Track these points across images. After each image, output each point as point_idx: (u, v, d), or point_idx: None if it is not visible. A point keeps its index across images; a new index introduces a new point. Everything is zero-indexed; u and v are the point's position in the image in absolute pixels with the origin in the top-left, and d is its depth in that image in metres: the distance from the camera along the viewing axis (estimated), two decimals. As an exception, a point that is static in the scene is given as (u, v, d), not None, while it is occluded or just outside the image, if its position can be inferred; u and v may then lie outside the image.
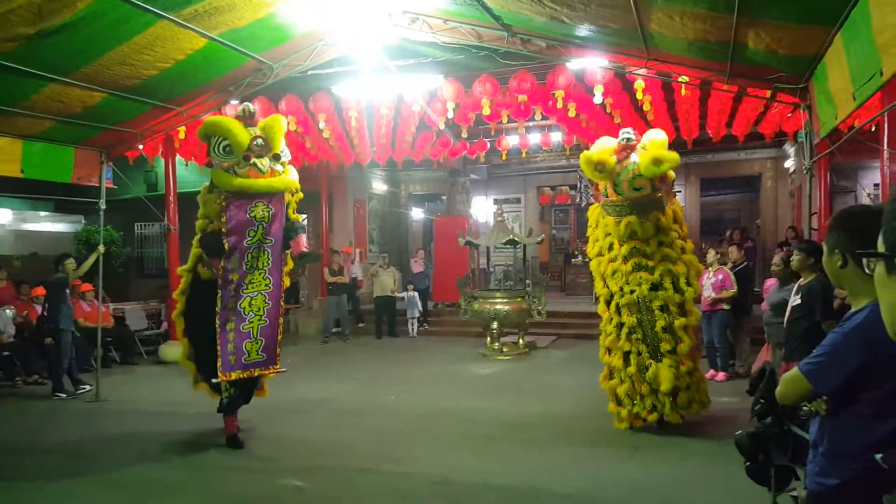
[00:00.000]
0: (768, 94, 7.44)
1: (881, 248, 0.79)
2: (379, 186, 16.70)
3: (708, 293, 7.92)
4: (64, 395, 7.83)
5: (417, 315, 12.53)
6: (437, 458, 5.21)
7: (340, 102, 8.64)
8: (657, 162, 5.10)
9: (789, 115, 8.41)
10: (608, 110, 8.47)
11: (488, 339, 10.20)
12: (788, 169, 13.84)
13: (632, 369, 5.57)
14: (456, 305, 12.30)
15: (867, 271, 0.84)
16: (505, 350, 10.06)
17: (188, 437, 6.07)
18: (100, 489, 4.76)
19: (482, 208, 18.02)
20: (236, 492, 4.63)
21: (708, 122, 9.81)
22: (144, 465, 5.29)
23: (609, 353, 5.82)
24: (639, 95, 7.84)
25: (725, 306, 7.87)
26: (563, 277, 17.27)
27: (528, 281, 10.81)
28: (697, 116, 9.64)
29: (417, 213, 18.38)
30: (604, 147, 5.54)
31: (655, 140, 5.31)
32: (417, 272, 13.18)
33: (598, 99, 7.62)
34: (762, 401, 3.31)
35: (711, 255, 8.17)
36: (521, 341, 10.35)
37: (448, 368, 9.15)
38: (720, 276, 7.88)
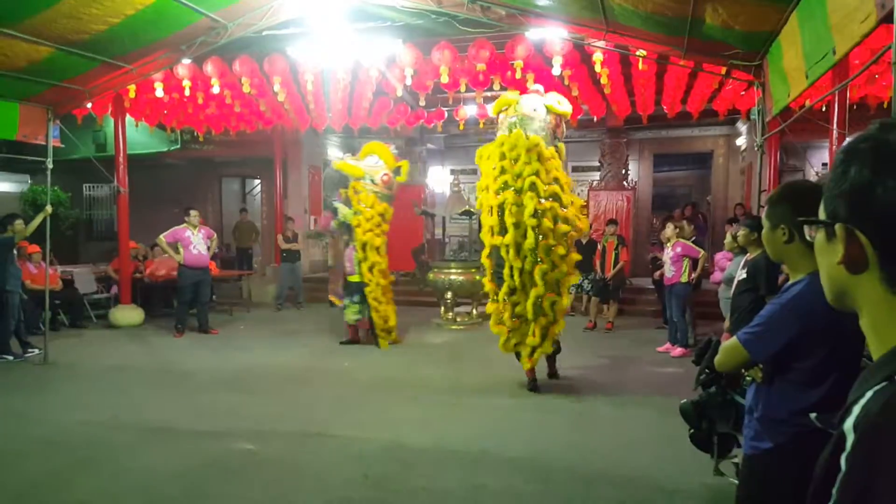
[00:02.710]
0: (723, 70, 7.57)
1: (822, 215, 0.79)
2: (335, 153, 16.35)
3: (668, 267, 8.08)
4: (11, 358, 7.57)
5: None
6: (389, 423, 5.24)
7: (296, 65, 8.39)
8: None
9: (743, 92, 8.56)
10: (566, 82, 8.45)
11: (442, 308, 10.22)
12: (740, 147, 14.16)
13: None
14: (411, 275, 12.30)
15: (808, 239, 0.85)
16: (459, 320, 10.12)
17: (136, 400, 5.95)
18: (45, 449, 4.64)
19: (439, 178, 17.92)
20: (188, 454, 4.56)
21: (663, 97, 9.92)
22: (92, 427, 5.17)
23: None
24: (597, 68, 7.85)
25: (683, 279, 7.99)
26: (518, 248, 17.36)
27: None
28: (654, 91, 9.73)
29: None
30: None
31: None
32: None
33: (556, 70, 7.59)
34: (707, 371, 3.41)
35: (669, 230, 8.23)
36: (474, 311, 10.41)
37: (403, 337, 9.15)
38: (678, 249, 8.01)
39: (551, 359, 6.59)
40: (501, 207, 6.04)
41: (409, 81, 8.06)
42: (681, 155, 16.56)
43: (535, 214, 5.90)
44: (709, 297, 9.01)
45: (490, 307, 6.43)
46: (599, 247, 9.92)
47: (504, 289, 6.11)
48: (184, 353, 8.12)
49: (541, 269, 5.92)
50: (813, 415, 1.58)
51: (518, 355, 6.35)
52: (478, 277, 10.07)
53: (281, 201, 13.53)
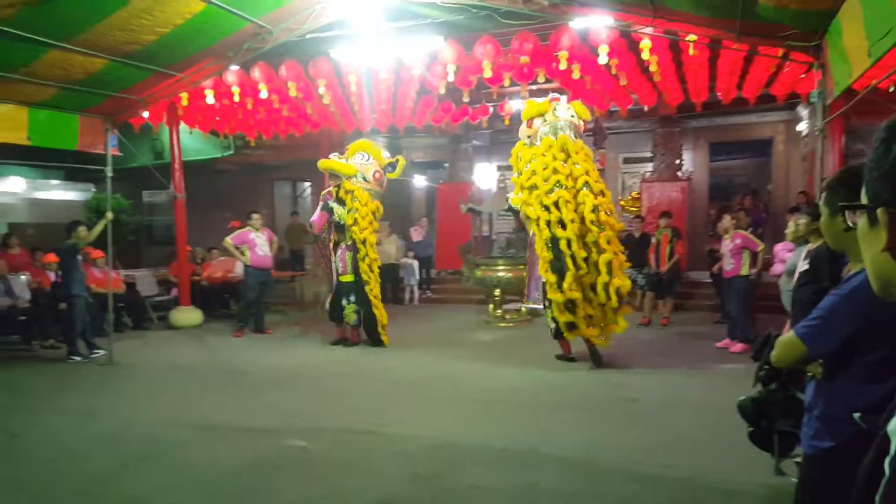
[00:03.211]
0: (780, 52, 7.23)
1: (864, 199, 0.72)
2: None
3: (727, 260, 7.81)
4: (78, 358, 7.94)
5: (415, 283, 12.52)
6: (438, 422, 5.23)
7: (340, 67, 8.48)
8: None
9: (803, 75, 8.16)
10: (613, 72, 8.25)
11: (491, 306, 10.16)
12: (801, 132, 13.53)
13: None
14: (459, 273, 12.28)
15: (850, 225, 0.78)
16: (507, 317, 10.03)
17: (194, 398, 6.14)
18: (109, 446, 4.83)
19: (485, 175, 17.82)
20: (243, 451, 4.67)
21: (717, 83, 9.56)
22: (153, 424, 5.35)
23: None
24: (645, 56, 7.62)
25: (743, 272, 7.70)
26: (569, 244, 17.08)
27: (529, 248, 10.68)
28: (707, 78, 9.39)
29: (420, 181, 18.20)
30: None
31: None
32: (417, 240, 13.09)
33: (602, 60, 7.40)
34: (766, 367, 3.26)
35: (727, 221, 7.95)
36: (523, 308, 10.26)
37: (451, 335, 9.16)
38: (738, 241, 7.73)
39: (593, 349, 7.00)
40: (556, 204, 6.63)
41: (451, 78, 8.02)
42: (738, 143, 15.94)
43: (594, 210, 6.59)
44: (770, 290, 8.67)
45: (553, 295, 6.70)
46: (653, 240, 9.67)
47: (569, 278, 6.57)
48: (239, 352, 8.34)
49: (605, 259, 6.52)
50: (857, 415, 1.48)
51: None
52: (526, 274, 9.97)
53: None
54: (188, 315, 10.48)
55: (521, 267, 9.98)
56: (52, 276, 9.19)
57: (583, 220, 6.62)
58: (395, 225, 13.83)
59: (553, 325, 6.93)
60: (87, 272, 8.80)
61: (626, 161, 15.71)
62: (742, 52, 7.56)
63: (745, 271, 7.71)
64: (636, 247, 10.41)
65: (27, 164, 14.23)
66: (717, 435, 4.67)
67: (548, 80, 8.54)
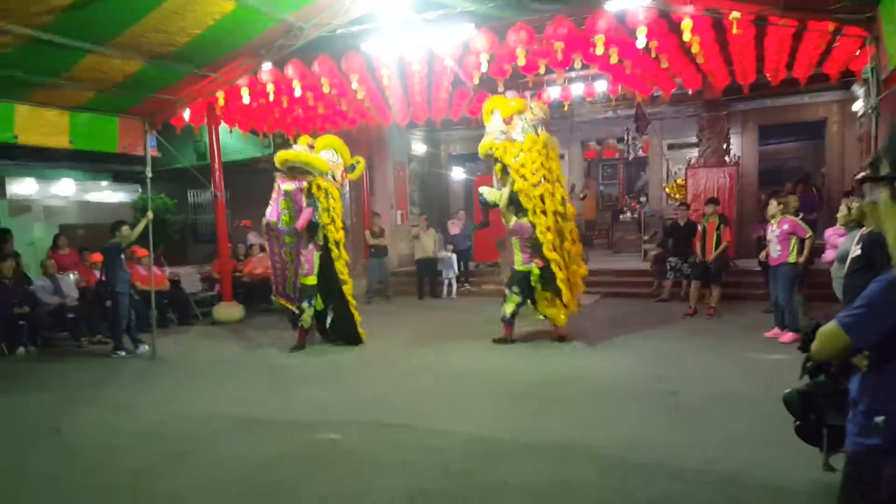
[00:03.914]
0: (831, 27, 6.89)
1: (884, 170, 0.62)
2: (419, 147, 16.51)
3: (774, 246, 7.52)
4: (123, 354, 8.18)
5: (453, 276, 12.48)
6: (472, 416, 5.18)
7: (372, 61, 8.47)
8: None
9: (857, 51, 7.75)
10: (654, 55, 8.00)
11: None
12: (857, 112, 12.92)
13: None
14: (496, 265, 12.18)
15: (870, 199, 0.68)
16: (547, 309, 9.86)
17: (234, 392, 6.24)
18: (147, 440, 4.94)
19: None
20: (277, 444, 4.72)
21: (766, 63, 9.18)
22: (192, 417, 5.47)
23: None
24: (686, 36, 7.36)
25: (791, 259, 7.40)
26: (610, 235, 16.85)
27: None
28: (753, 58, 9.03)
29: (458, 174, 18.13)
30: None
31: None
32: (455, 233, 13.04)
33: (641, 42, 7.18)
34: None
35: (773, 206, 7.66)
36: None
37: (487, 328, 9.02)
38: (785, 227, 7.43)
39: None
40: (542, 197, 7.36)
41: (485, 68, 7.91)
42: (790, 125, 15.33)
43: (563, 202, 7.56)
44: (822, 277, 8.30)
45: (563, 276, 7.47)
46: (700, 228, 9.38)
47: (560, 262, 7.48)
48: (279, 347, 8.45)
49: (577, 250, 7.71)
50: (879, 419, 1.35)
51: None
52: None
53: (368, 198, 13.80)
54: (230, 310, 10.70)
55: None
56: (97, 274, 9.50)
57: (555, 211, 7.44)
58: (432, 218, 13.82)
59: (512, 311, 7.82)
60: (133, 270, 9.08)
61: (671, 147, 15.31)
62: (790, 28, 7.23)
63: (792, 258, 7.40)
64: (681, 235, 10.17)
65: (76, 166, 14.77)
66: (763, 429, 4.49)
67: (585, 66, 8.35)
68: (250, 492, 3.96)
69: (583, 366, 6.67)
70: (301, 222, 7.56)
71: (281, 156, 7.62)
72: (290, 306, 7.97)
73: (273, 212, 7.64)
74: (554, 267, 7.38)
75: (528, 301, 8.02)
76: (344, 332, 8.25)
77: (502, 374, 6.50)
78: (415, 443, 4.63)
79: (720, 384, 5.78)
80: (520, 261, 7.76)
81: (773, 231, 7.57)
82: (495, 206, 7.78)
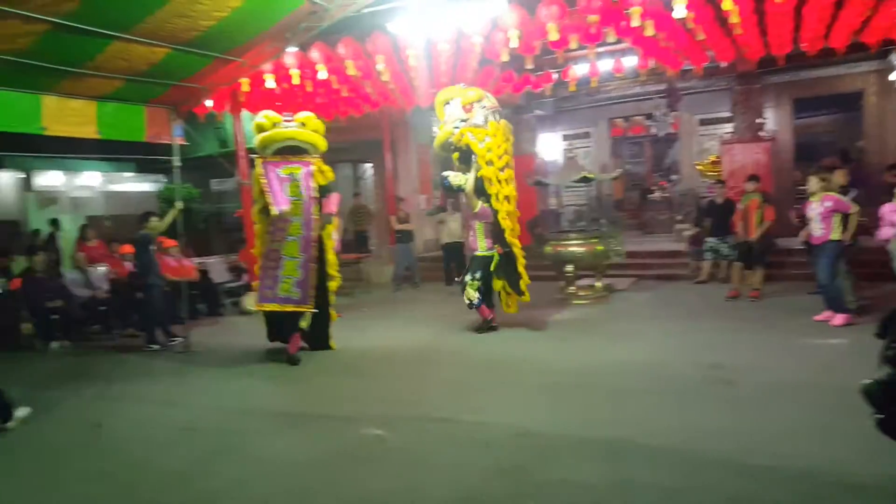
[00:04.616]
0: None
1: None
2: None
3: (816, 225, 7.20)
4: (156, 347, 8.13)
5: None
6: (516, 408, 5.00)
7: (398, 42, 8.22)
8: None
9: (900, 17, 7.36)
10: (689, 26, 7.66)
11: (563, 282, 9.82)
12: (895, 82, 12.41)
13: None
14: (527, 249, 11.92)
15: None
16: (581, 294, 9.68)
17: (272, 384, 6.15)
18: (187, 436, 4.86)
19: (549, 146, 17.27)
20: (320, 440, 4.61)
21: (802, 33, 8.78)
22: (229, 411, 5.39)
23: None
24: (726, 6, 7.01)
25: (835, 236, 7.08)
26: (640, 215, 16.51)
27: (602, 220, 10.28)
28: (791, 28, 8.64)
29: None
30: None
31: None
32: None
33: (679, 13, 6.86)
34: (894, 345, 2.90)
35: (814, 183, 7.32)
36: (598, 284, 9.91)
37: (522, 314, 8.82)
38: (827, 203, 7.10)
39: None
40: (507, 181, 7.63)
41: (514, 44, 7.64)
42: (824, 97, 14.80)
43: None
44: (871, 255, 7.98)
45: (523, 262, 7.73)
46: (740, 206, 9.05)
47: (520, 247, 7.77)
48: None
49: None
50: None
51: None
52: (600, 248, 9.59)
53: (392, 182, 13.59)
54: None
55: (594, 240, 9.62)
56: (128, 266, 9.40)
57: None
58: (458, 202, 13.56)
59: (477, 298, 7.61)
60: (162, 261, 8.99)
61: (703, 123, 14.89)
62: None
63: (836, 235, 7.08)
64: (719, 214, 9.85)
65: (101, 157, 14.76)
66: (830, 420, 4.26)
67: (618, 41, 8.05)
68: (295, 490, 3.84)
69: (627, 354, 6.43)
70: (333, 206, 7.04)
71: (279, 135, 6.73)
72: (286, 308, 6.84)
73: (282, 200, 6.62)
74: (517, 251, 7.61)
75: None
76: (314, 336, 7.21)
77: (543, 363, 6.30)
78: (462, 438, 4.46)
79: (777, 372, 5.52)
80: (484, 246, 7.72)
81: (815, 209, 7.26)
82: (460, 189, 7.76)
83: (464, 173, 7.74)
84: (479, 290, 7.65)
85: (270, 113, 6.95)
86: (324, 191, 6.95)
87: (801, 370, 5.53)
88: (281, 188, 6.69)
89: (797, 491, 3.42)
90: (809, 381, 5.18)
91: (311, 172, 6.84)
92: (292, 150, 6.82)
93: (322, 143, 6.96)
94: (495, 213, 7.52)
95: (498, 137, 7.62)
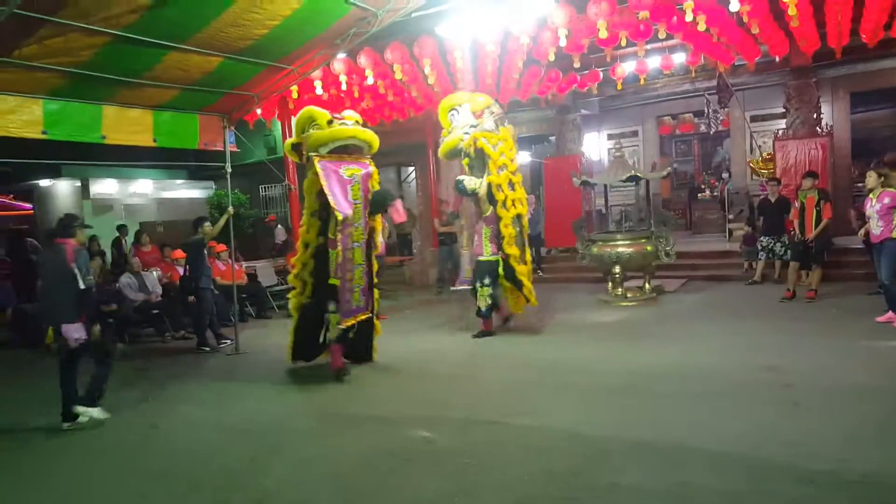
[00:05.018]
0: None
1: None
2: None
3: (874, 222, 6.96)
4: (207, 349, 8.36)
5: None
6: (567, 412, 4.96)
7: (445, 45, 8.29)
8: None
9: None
10: (745, 20, 7.50)
11: (610, 284, 9.71)
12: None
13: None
14: (571, 250, 11.86)
15: None
16: (629, 296, 9.56)
17: (319, 386, 6.25)
18: (239, 437, 4.98)
19: (594, 146, 17.10)
20: (369, 442, 4.66)
21: (862, 24, 8.50)
22: (279, 414, 5.50)
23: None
24: (783, -4, 6.86)
25: (895, 234, 6.84)
26: (688, 215, 16.21)
27: (650, 220, 10.14)
28: (850, 19, 8.38)
29: (525, 157, 17.77)
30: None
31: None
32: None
33: (734, 6, 6.72)
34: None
35: (873, 179, 7.08)
36: (646, 286, 9.78)
37: (568, 316, 8.81)
38: (886, 200, 6.86)
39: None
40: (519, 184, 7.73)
41: (563, 43, 7.61)
42: (884, 91, 14.23)
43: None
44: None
45: (519, 266, 7.59)
46: (796, 204, 8.81)
47: (526, 250, 7.83)
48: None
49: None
50: None
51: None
52: (649, 248, 9.46)
53: (435, 185, 13.67)
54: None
55: (643, 241, 9.50)
56: (180, 270, 9.65)
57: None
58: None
59: (487, 305, 7.69)
60: (212, 265, 9.26)
61: (755, 119, 14.53)
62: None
63: None
64: (773, 212, 9.65)
65: (154, 165, 15.26)
66: (894, 425, 4.10)
67: (668, 37, 7.94)
68: (348, 492, 3.90)
69: (681, 356, 6.31)
70: (402, 215, 6.74)
71: (341, 133, 6.23)
72: (358, 318, 6.52)
73: (345, 204, 6.05)
74: (513, 262, 7.53)
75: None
76: (357, 347, 6.87)
77: (591, 366, 6.24)
78: (511, 441, 4.45)
79: (838, 375, 5.34)
80: (489, 251, 7.73)
81: (873, 206, 7.01)
82: (474, 193, 7.69)
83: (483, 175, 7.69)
84: (490, 296, 7.70)
85: (318, 109, 6.52)
86: (377, 196, 6.50)
87: (863, 373, 5.35)
88: (345, 191, 6.15)
89: (860, 497, 3.31)
90: (871, 385, 5.00)
91: (370, 174, 6.48)
92: (347, 150, 6.32)
93: (376, 143, 6.56)
94: (499, 219, 7.49)
95: (508, 142, 7.70)
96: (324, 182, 5.98)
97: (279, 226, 15.32)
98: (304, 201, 6.45)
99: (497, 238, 7.65)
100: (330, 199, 5.93)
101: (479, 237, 7.83)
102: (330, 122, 6.26)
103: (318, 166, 6.02)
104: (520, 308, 8.02)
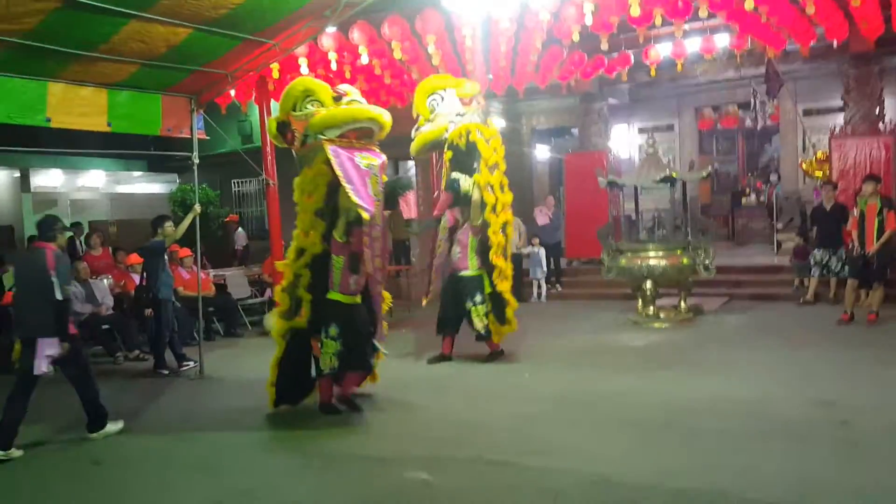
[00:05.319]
0: None
1: None
2: (496, 122, 16.22)
3: None
4: (166, 372, 8.28)
5: (542, 276, 12.24)
6: (589, 451, 4.93)
7: (452, 20, 8.29)
8: None
9: None
10: (798, -2, 7.54)
11: (640, 302, 9.73)
12: None
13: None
14: (595, 262, 11.85)
15: None
16: (662, 316, 9.59)
17: (300, 419, 6.18)
18: (201, 476, 4.92)
19: (623, 140, 17.12)
20: (358, 484, 4.61)
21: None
22: (252, 450, 5.44)
23: None
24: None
25: None
26: (731, 223, 16.22)
27: (687, 228, 10.14)
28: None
29: (543, 152, 17.79)
30: None
31: None
32: (543, 224, 12.75)
33: (787, -18, 6.74)
34: None
35: None
36: (682, 304, 9.80)
37: (592, 339, 8.78)
38: None
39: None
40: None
41: (589, 21, 7.62)
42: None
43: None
44: None
45: (504, 285, 7.60)
46: (855, 212, 8.82)
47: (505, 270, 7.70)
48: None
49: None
50: None
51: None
52: (685, 261, 9.45)
53: (439, 183, 13.64)
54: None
55: (679, 252, 9.51)
56: (136, 278, 9.42)
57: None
58: (515, 206, 13.50)
59: (484, 324, 7.59)
60: (174, 273, 9.18)
61: (808, 113, 14.57)
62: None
63: None
64: (827, 222, 9.73)
65: (108, 153, 15.17)
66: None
67: (710, 16, 7.96)
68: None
69: (720, 388, 6.28)
70: (414, 210, 6.66)
71: (360, 113, 5.87)
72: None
73: (369, 199, 5.61)
74: (498, 277, 7.57)
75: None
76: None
77: (619, 398, 6.20)
78: (525, 485, 4.40)
79: (902, 411, 5.33)
80: (475, 265, 7.66)
81: None
82: (466, 195, 7.60)
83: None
84: (486, 315, 7.64)
85: (315, 80, 6.22)
86: (386, 186, 6.26)
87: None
88: (364, 184, 5.67)
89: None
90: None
91: (385, 165, 6.13)
92: (359, 134, 5.92)
93: (388, 127, 6.12)
94: (487, 226, 7.49)
95: (498, 139, 7.69)
96: (339, 172, 5.51)
97: (240, 229, 15.18)
98: (300, 198, 5.97)
99: (483, 249, 7.62)
100: (350, 194, 5.48)
101: (464, 249, 7.72)
102: (337, 99, 5.91)
103: (329, 153, 5.56)
104: (499, 337, 7.89)
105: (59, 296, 5.35)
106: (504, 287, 7.58)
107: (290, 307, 6.02)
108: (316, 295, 5.94)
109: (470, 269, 7.69)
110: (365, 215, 5.48)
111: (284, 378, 6.18)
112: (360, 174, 5.65)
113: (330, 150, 5.57)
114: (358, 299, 6.10)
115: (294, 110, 5.93)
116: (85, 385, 5.77)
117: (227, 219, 15.62)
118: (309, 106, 5.86)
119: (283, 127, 6.03)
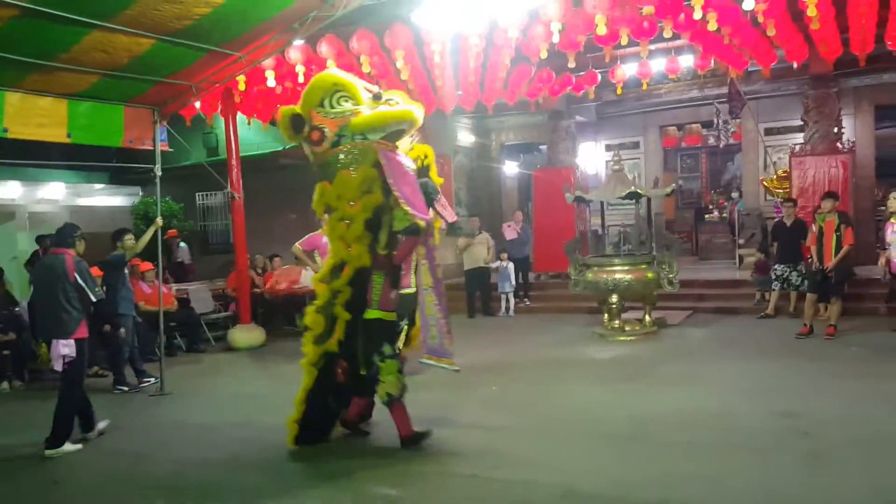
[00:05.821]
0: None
1: None
2: (465, 138, 16.38)
3: (894, 250, 7.15)
4: (126, 389, 8.10)
5: (510, 290, 12.29)
6: (558, 464, 4.92)
7: (421, 36, 8.33)
8: None
9: None
10: (760, 19, 7.70)
11: (606, 315, 9.79)
12: None
13: None
14: (563, 276, 11.93)
15: None
16: (628, 329, 9.66)
17: (265, 436, 6.07)
18: (165, 494, 4.81)
19: (591, 157, 17.32)
20: (321, 500, 4.56)
21: (888, 30, 8.79)
22: (216, 470, 5.31)
23: None
24: (801, -5, 7.07)
25: None
26: (694, 238, 16.49)
27: (651, 243, 10.26)
28: (875, 24, 8.66)
29: (511, 168, 17.94)
30: None
31: None
32: (511, 239, 12.81)
33: (748, 4, 6.92)
34: None
35: (895, 202, 7.32)
36: (647, 318, 9.88)
37: (559, 352, 8.82)
38: None
39: None
40: None
41: (556, 39, 7.71)
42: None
43: None
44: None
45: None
46: (814, 228, 9.02)
47: None
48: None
49: None
50: None
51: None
52: (650, 275, 9.55)
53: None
54: (249, 334, 10.63)
55: (644, 266, 9.60)
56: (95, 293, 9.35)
57: None
58: (483, 221, 13.60)
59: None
60: (135, 287, 9.02)
61: (769, 132, 14.89)
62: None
63: None
64: (788, 237, 9.91)
65: (69, 165, 14.88)
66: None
67: (674, 36, 8.11)
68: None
69: (685, 400, 6.35)
70: (452, 213, 6.03)
71: (406, 114, 5.40)
72: (441, 363, 5.68)
73: (423, 206, 5.23)
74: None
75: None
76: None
77: (587, 411, 6.25)
78: (493, 499, 4.39)
79: (863, 422, 5.43)
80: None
81: (894, 231, 7.21)
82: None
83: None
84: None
85: (343, 76, 5.63)
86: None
87: (890, 421, 5.44)
88: (415, 190, 5.28)
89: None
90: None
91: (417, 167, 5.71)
92: (393, 136, 5.42)
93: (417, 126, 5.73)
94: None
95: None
96: (391, 179, 5.11)
97: (182, 244, 14.81)
98: (339, 204, 5.35)
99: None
100: (400, 201, 5.05)
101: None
102: (377, 97, 5.43)
103: (381, 157, 5.15)
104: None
105: (94, 297, 5.89)
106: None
107: (325, 330, 5.37)
108: (355, 315, 5.35)
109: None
110: (421, 223, 5.07)
111: (314, 412, 5.50)
112: (409, 179, 5.28)
113: (381, 153, 5.17)
114: (394, 316, 5.49)
115: (321, 106, 5.33)
116: (68, 397, 5.93)
117: (167, 235, 15.17)
118: (343, 103, 5.30)
119: (300, 122, 5.36)
